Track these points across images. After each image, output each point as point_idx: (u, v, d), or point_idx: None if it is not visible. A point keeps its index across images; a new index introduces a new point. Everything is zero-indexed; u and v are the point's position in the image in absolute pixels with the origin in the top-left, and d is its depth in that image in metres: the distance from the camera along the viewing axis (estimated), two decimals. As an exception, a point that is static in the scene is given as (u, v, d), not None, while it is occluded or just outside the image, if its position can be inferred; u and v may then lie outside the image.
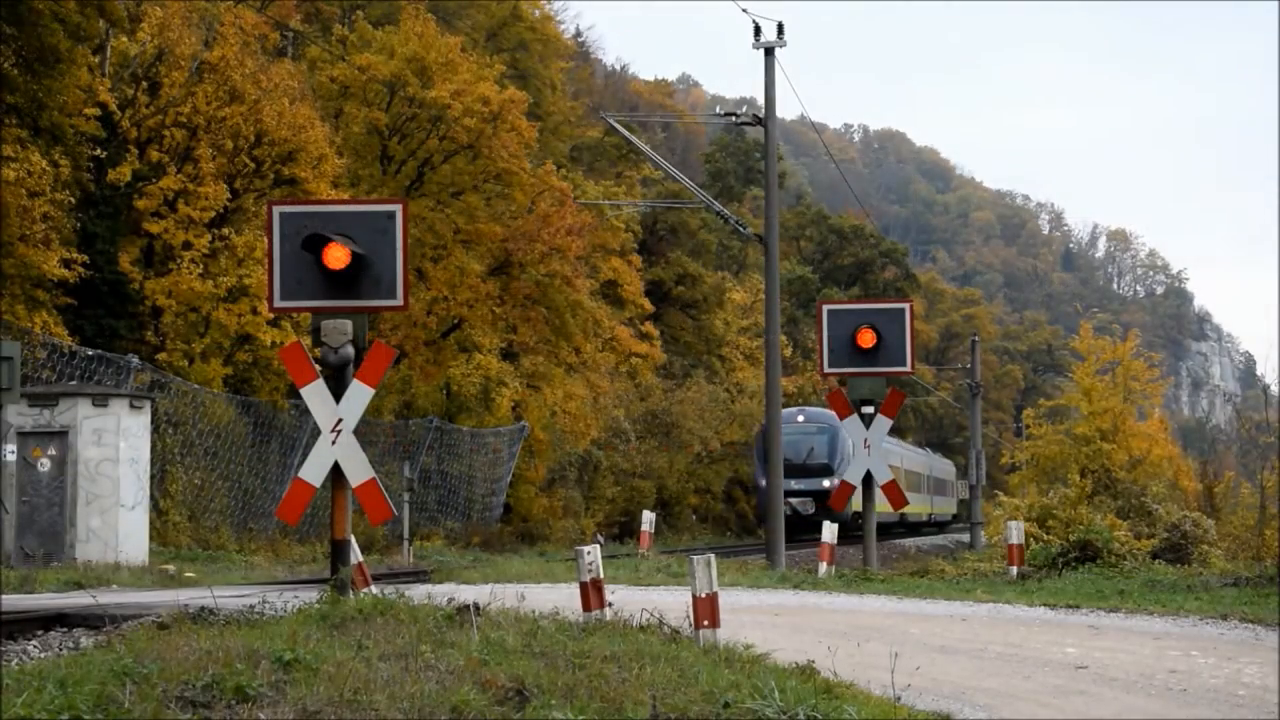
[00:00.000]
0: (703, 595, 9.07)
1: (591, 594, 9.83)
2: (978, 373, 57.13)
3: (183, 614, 9.88)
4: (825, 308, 18.52)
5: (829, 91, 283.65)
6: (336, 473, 11.58)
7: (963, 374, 66.81)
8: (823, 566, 18.69)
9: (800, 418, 43.99)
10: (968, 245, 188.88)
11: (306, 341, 16.53)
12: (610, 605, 9.85)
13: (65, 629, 11.80)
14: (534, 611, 9.44)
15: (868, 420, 18.08)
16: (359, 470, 11.56)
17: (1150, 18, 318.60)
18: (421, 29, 35.34)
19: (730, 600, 12.50)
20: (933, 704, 7.83)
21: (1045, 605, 13.55)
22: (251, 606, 10.13)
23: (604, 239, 46.20)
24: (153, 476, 24.26)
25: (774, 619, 12.03)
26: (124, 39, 29.70)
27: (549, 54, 57.05)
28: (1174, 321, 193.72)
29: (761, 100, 28.46)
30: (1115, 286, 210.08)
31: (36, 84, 24.86)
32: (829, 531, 19.27)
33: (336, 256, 11.46)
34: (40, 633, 11.57)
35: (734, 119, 32.43)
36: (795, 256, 78.21)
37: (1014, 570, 18.50)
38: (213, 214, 28.70)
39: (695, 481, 54.93)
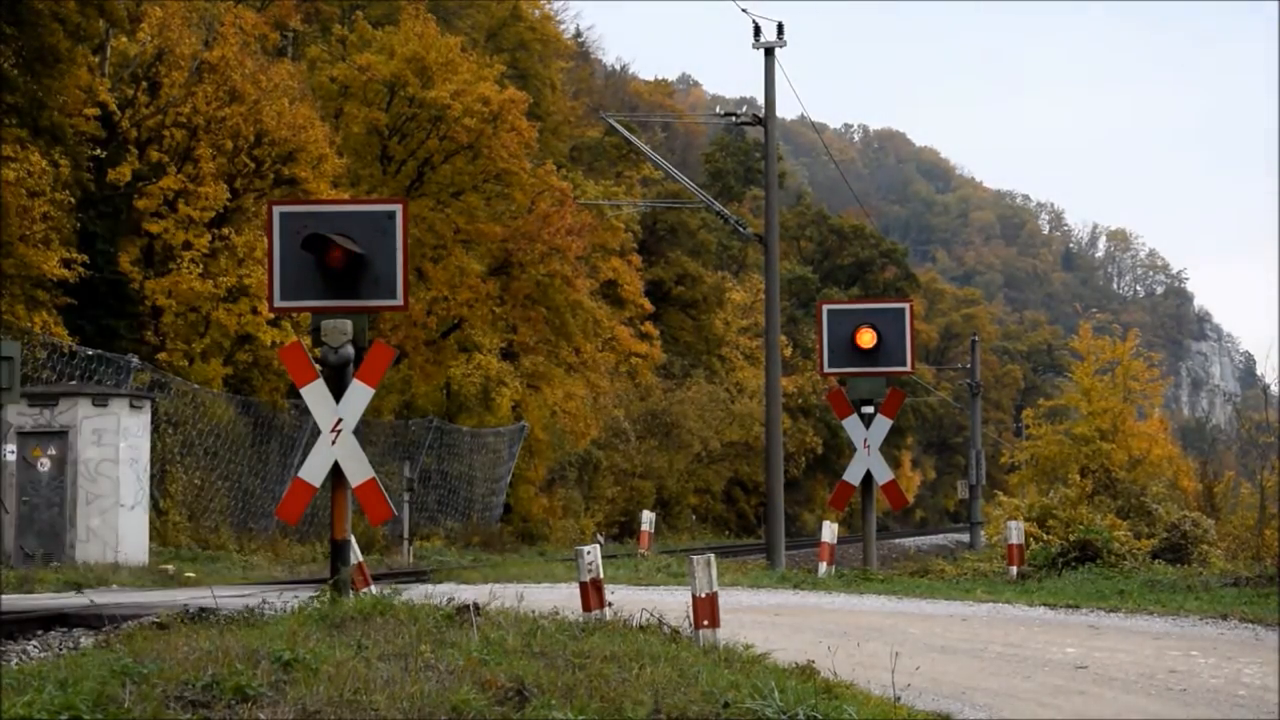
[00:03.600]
0: (703, 595, 9.07)
1: (591, 594, 9.82)
2: (978, 373, 57.15)
3: (182, 614, 9.88)
4: (825, 308, 18.51)
5: (829, 91, 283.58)
6: (336, 473, 11.58)
7: (963, 374, 66.80)
8: (823, 566, 18.69)
9: None
10: (968, 245, 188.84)
11: (306, 341, 16.53)
12: (610, 605, 9.85)
13: (65, 629, 11.81)
14: (534, 611, 9.44)
15: (868, 420, 18.08)
16: (359, 470, 11.57)
17: (1151, 17, 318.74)
18: (421, 29, 35.34)
19: (730, 600, 12.51)
20: (933, 704, 7.83)
21: (1045, 605, 13.54)
22: (251, 607, 10.13)
23: (604, 239, 46.19)
24: (153, 476, 24.26)
25: (774, 619, 12.03)
26: (124, 39, 29.69)
27: (549, 54, 57.03)
28: (1174, 321, 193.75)
29: (761, 100, 28.48)
30: (1115, 286, 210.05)
31: (36, 84, 24.86)
32: (829, 531, 19.28)
33: (336, 256, 11.46)
34: (40, 633, 11.58)
35: (734, 119, 32.45)
36: (795, 256, 78.18)
37: (1014, 570, 18.48)
38: (213, 214, 28.71)
39: (695, 481, 54.97)
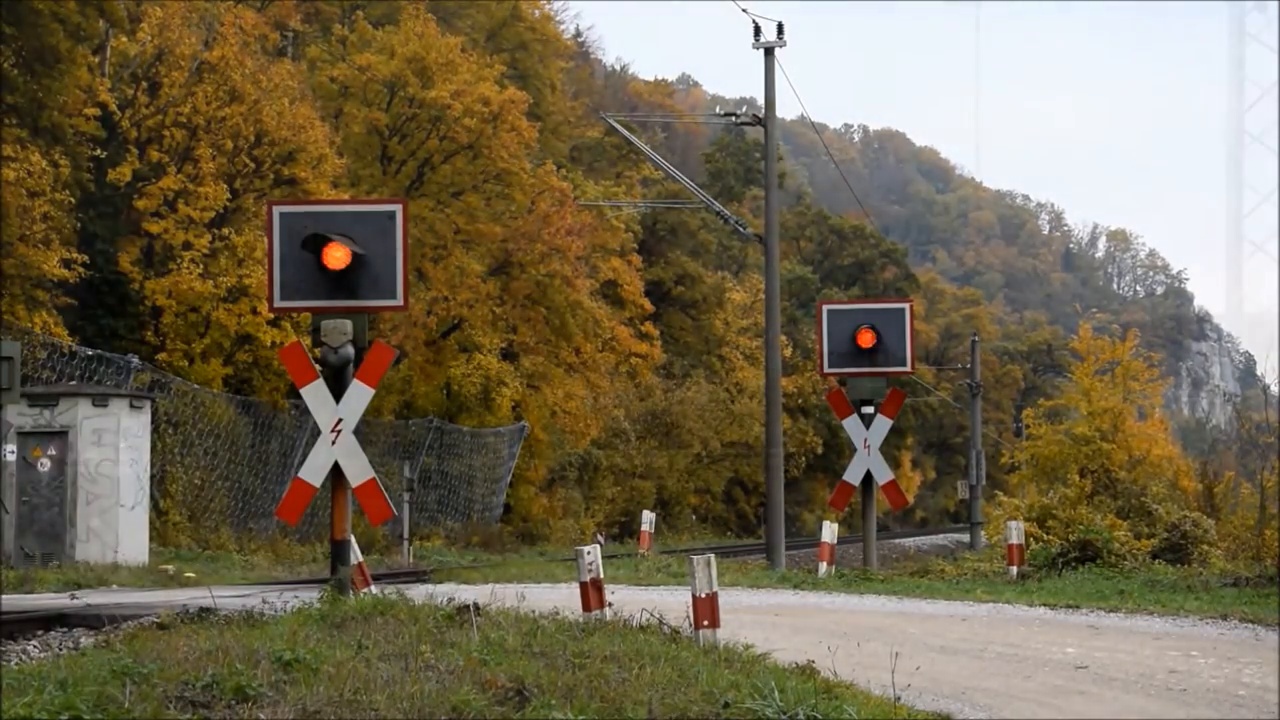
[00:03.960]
0: (703, 595, 9.07)
1: (591, 594, 9.83)
2: (978, 373, 57.13)
3: (182, 614, 9.89)
4: (825, 308, 18.53)
5: (829, 91, 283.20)
6: (336, 473, 11.59)
7: (963, 374, 66.77)
8: (823, 566, 18.69)
9: None
10: (968, 245, 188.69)
11: (306, 341, 16.54)
12: (610, 605, 9.85)
13: (65, 629, 11.81)
14: (534, 611, 9.44)
15: (868, 420, 18.09)
16: (359, 470, 11.57)
17: (1151, 17, 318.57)
18: (421, 29, 35.35)
19: (730, 600, 12.50)
20: (933, 704, 7.83)
21: (1045, 605, 13.54)
22: (251, 607, 10.13)
23: (604, 239, 46.19)
24: (153, 476, 24.26)
25: (774, 619, 12.03)
26: (124, 39, 29.71)
27: (549, 54, 57.00)
28: (1174, 321, 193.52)
29: (761, 100, 28.48)
30: (1115, 287, 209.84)
31: (36, 84, 24.88)
32: (829, 531, 19.29)
33: (336, 256, 11.47)
34: (40, 633, 11.57)
35: (734, 119, 32.48)
36: (795, 256, 78.14)
37: (1014, 570, 18.49)
38: (213, 214, 28.71)
39: (695, 481, 54.94)
